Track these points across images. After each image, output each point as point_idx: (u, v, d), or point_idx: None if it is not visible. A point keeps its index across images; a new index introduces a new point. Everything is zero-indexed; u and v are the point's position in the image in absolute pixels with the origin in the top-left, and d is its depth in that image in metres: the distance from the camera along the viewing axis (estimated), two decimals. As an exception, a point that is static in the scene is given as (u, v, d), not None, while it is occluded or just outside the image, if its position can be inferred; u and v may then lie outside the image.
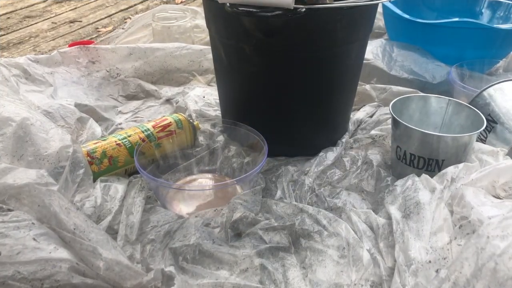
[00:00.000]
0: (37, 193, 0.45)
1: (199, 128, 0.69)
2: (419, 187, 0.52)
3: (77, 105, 0.76)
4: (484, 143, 0.62)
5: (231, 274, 0.46)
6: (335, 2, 0.52)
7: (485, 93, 0.66)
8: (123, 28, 1.10)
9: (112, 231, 0.51)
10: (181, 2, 1.62)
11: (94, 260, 0.43)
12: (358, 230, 0.52)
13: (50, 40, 1.24)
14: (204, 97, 0.83)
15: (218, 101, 0.77)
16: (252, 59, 0.60)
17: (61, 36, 1.27)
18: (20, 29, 1.31)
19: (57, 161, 0.54)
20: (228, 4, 0.51)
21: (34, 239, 0.42)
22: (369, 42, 0.86)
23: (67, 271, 0.41)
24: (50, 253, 0.41)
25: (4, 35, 1.27)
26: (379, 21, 1.08)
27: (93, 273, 0.43)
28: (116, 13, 1.48)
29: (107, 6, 1.53)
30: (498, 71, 0.88)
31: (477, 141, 0.60)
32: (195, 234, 0.49)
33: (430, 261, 0.44)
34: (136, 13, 1.46)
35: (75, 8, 1.51)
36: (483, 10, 1.04)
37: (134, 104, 0.85)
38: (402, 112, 0.64)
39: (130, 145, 0.62)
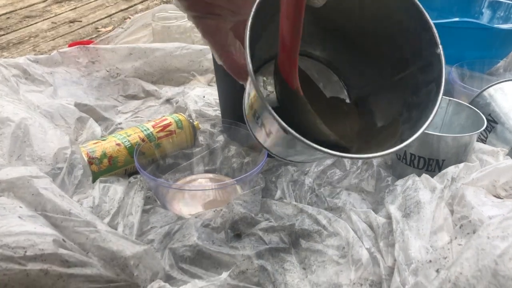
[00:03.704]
0: (30, 183, 0.44)
1: (199, 128, 0.69)
2: (420, 186, 0.52)
3: (77, 105, 0.76)
4: (485, 143, 0.62)
5: (230, 275, 0.46)
6: None
7: (485, 93, 0.66)
8: (122, 28, 1.10)
9: (111, 232, 0.51)
10: (181, 2, 1.61)
11: (89, 234, 0.42)
12: (358, 230, 0.52)
13: (50, 40, 1.24)
14: (204, 97, 0.83)
15: (218, 101, 0.77)
16: (252, 59, 0.60)
17: (61, 36, 1.27)
18: (20, 29, 1.31)
19: (54, 162, 0.53)
20: None
21: (19, 217, 0.41)
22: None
23: (52, 242, 0.40)
24: (35, 228, 0.40)
25: (4, 35, 1.27)
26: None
27: (83, 253, 0.42)
28: (116, 13, 1.48)
29: (107, 6, 1.53)
30: (498, 71, 0.88)
31: (477, 141, 0.60)
32: (194, 235, 0.49)
33: (430, 261, 0.43)
34: (136, 13, 1.46)
35: (75, 8, 1.51)
36: (483, 10, 1.04)
37: (134, 104, 0.85)
38: (402, 112, 0.64)
39: (130, 145, 0.62)
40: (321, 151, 0.31)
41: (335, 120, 0.41)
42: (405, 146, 0.33)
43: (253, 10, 0.32)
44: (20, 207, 0.42)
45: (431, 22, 0.36)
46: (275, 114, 0.31)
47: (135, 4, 1.56)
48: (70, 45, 0.90)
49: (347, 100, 0.44)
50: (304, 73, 0.43)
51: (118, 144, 0.62)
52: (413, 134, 0.33)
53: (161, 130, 0.65)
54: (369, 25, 0.39)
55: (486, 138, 0.63)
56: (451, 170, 0.53)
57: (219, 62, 0.40)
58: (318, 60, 0.45)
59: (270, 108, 0.31)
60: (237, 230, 0.52)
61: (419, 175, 0.55)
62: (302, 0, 0.29)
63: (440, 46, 0.36)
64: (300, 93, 0.36)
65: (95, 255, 0.42)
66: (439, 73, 0.36)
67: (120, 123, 0.78)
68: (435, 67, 0.36)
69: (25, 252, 0.38)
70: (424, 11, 0.36)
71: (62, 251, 0.40)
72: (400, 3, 0.36)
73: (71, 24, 1.37)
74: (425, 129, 0.34)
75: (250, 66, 0.31)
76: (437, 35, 0.36)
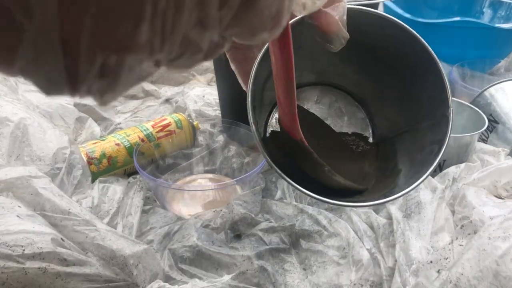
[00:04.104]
0: (29, 183, 0.44)
1: (198, 128, 0.69)
2: (420, 186, 0.52)
3: (76, 105, 0.76)
4: (486, 143, 0.62)
5: (230, 276, 0.46)
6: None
7: (486, 93, 0.66)
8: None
9: (110, 232, 0.51)
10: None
11: (88, 232, 0.42)
12: (358, 230, 0.51)
13: (50, 40, 1.23)
14: (204, 97, 0.83)
15: (218, 101, 0.77)
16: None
17: (61, 36, 1.27)
18: (20, 29, 1.31)
19: (53, 163, 0.53)
20: None
21: (18, 216, 0.41)
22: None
23: (50, 241, 0.40)
24: (33, 227, 0.40)
25: (3, 35, 1.26)
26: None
27: (82, 252, 0.41)
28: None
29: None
30: (499, 71, 0.87)
31: (478, 141, 0.60)
32: (194, 236, 0.49)
33: (431, 261, 0.43)
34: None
35: (75, 8, 1.51)
36: (484, 10, 1.04)
37: (134, 103, 0.85)
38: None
39: (129, 145, 0.62)
40: (311, 196, 0.32)
41: (350, 158, 0.42)
42: (384, 202, 0.34)
43: (256, 63, 0.32)
44: (19, 206, 0.42)
45: (447, 84, 0.36)
46: (276, 167, 0.32)
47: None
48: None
49: (370, 139, 0.45)
50: (315, 117, 0.43)
51: (117, 144, 0.61)
52: (399, 192, 0.34)
53: (161, 130, 0.65)
54: (396, 75, 0.40)
55: (487, 138, 0.63)
56: (452, 170, 0.52)
57: (245, 89, 0.40)
58: (350, 95, 0.46)
59: (272, 163, 0.32)
60: (237, 230, 0.52)
61: (420, 175, 0.55)
62: (291, 62, 0.28)
63: (451, 110, 0.36)
64: (305, 143, 0.36)
65: (94, 254, 0.42)
66: (444, 136, 0.36)
67: (119, 123, 0.78)
68: (442, 129, 0.37)
69: (23, 250, 0.38)
70: (444, 74, 0.36)
71: (60, 249, 0.39)
72: (422, 61, 0.37)
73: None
74: (406, 193, 0.34)
75: (255, 134, 0.32)
76: (450, 97, 0.36)
